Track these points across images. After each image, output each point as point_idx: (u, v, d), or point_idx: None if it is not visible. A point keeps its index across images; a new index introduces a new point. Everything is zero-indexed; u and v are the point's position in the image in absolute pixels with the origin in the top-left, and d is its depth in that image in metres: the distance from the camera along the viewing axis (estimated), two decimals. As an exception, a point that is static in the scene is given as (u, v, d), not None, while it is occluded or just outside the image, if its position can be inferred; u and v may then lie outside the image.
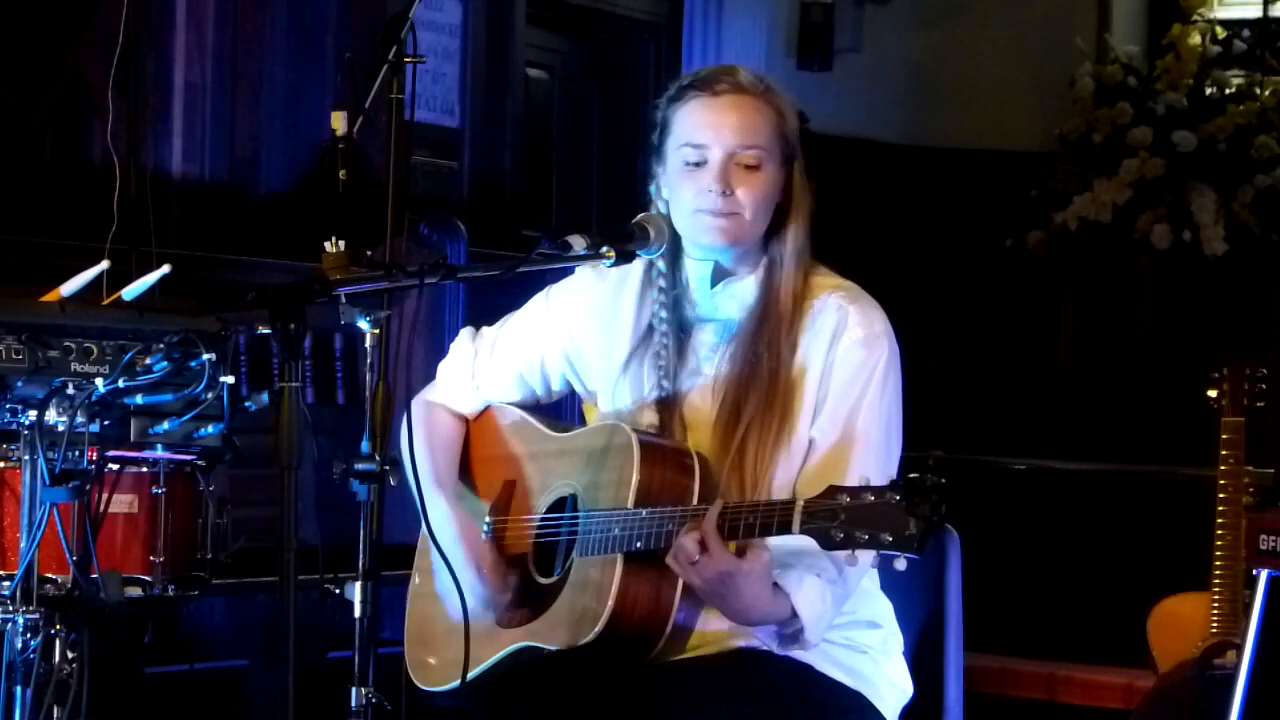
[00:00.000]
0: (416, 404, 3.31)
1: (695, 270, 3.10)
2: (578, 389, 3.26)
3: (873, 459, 2.96)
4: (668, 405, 3.08)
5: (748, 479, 2.97)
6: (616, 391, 3.14)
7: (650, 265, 3.12)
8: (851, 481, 2.75)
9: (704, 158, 3.01)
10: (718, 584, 2.82)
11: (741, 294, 3.08)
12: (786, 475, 3.00)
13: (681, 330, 3.10)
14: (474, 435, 3.31)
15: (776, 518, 2.76)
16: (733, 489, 2.97)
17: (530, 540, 3.15)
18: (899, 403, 3.04)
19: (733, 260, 3.08)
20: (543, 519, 3.14)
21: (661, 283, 3.10)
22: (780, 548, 2.85)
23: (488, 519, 3.23)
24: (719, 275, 3.09)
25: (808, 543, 2.74)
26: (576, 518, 3.04)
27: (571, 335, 3.22)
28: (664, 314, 3.09)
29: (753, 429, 2.98)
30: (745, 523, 2.80)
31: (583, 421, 3.24)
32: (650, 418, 3.08)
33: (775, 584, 2.88)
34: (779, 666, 2.97)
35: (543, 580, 3.09)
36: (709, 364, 3.07)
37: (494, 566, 3.16)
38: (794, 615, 2.89)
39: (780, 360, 3.00)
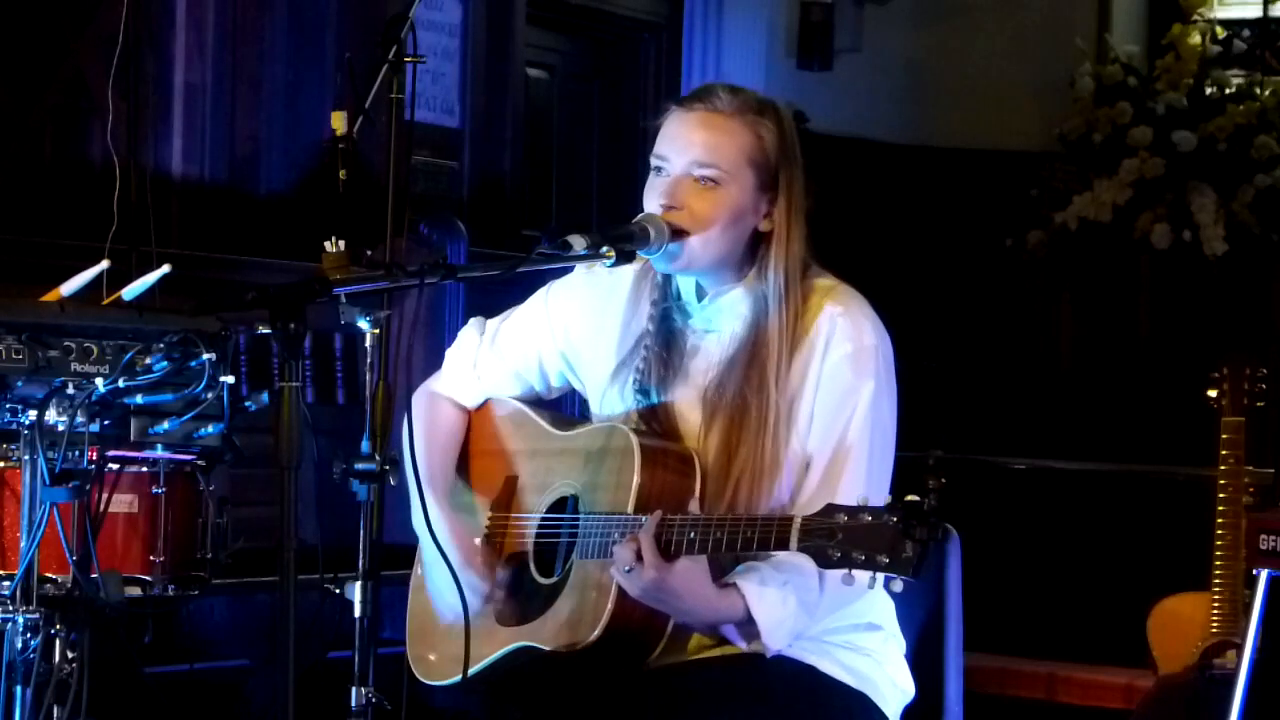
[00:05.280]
0: (419, 395, 3.30)
1: (684, 282, 3.10)
2: (576, 387, 3.26)
3: (865, 476, 2.95)
4: (655, 415, 3.07)
5: (740, 506, 2.95)
6: (606, 396, 3.14)
7: (642, 274, 3.11)
8: (847, 500, 2.74)
9: (663, 167, 3.01)
10: (654, 590, 2.83)
11: (730, 304, 3.06)
12: (780, 493, 2.98)
13: (671, 342, 3.08)
14: (475, 429, 3.30)
15: (775, 534, 2.76)
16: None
17: (530, 539, 3.14)
18: (892, 416, 3.02)
19: (710, 282, 3.06)
20: (543, 519, 3.13)
21: (654, 295, 3.09)
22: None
23: (488, 515, 3.22)
24: (703, 289, 3.08)
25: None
26: (577, 519, 3.04)
27: (568, 335, 3.22)
28: (652, 327, 3.08)
29: (745, 472, 2.96)
30: (744, 537, 2.79)
31: (586, 416, 3.23)
32: (638, 425, 3.06)
33: (733, 585, 2.88)
34: (784, 669, 2.96)
35: (543, 580, 3.09)
36: (701, 376, 3.05)
37: (486, 565, 3.15)
38: (750, 617, 2.89)
39: (770, 403, 2.97)
